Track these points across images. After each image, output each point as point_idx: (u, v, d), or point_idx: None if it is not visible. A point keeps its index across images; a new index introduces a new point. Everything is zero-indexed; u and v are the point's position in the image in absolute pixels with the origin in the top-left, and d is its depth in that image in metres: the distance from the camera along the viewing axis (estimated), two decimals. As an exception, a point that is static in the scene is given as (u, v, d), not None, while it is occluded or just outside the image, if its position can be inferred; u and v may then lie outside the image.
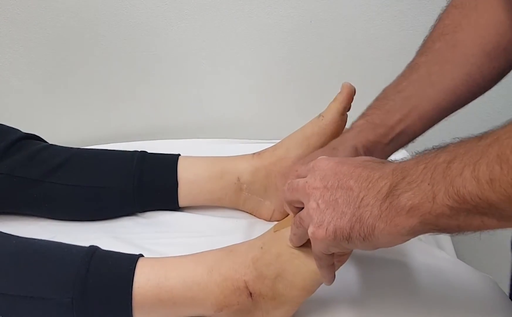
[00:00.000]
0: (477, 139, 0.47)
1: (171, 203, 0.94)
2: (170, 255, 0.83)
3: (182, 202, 0.94)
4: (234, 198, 0.94)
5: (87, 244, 0.75)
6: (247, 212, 0.96)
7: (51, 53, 1.17)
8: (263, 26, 1.16)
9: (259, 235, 0.90)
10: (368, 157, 0.60)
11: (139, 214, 0.95)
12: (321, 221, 0.57)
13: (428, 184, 0.48)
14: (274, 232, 0.71)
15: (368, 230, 0.53)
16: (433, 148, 0.52)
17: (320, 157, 0.63)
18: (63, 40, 1.16)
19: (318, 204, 0.58)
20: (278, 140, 1.11)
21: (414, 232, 0.51)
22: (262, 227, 0.92)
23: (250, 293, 0.68)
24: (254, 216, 0.95)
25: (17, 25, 1.14)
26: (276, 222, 0.93)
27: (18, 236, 0.73)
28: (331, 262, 0.62)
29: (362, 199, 0.54)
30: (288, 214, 0.73)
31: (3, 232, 0.73)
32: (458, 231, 0.49)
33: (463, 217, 0.47)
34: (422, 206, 0.48)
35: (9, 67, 1.18)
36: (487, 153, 0.44)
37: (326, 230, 0.56)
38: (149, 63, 1.19)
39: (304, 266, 0.66)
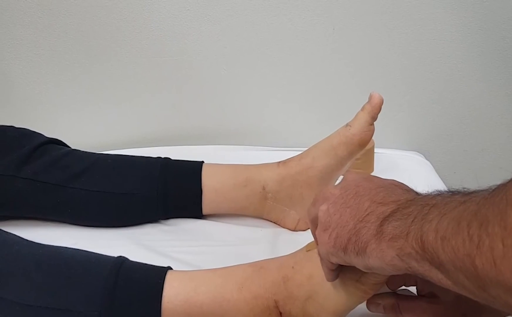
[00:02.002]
0: (465, 193, 0.44)
1: (195, 210, 0.93)
2: (195, 264, 0.82)
3: (205, 209, 0.93)
4: (258, 206, 0.92)
5: (110, 251, 0.74)
6: (271, 221, 0.95)
7: (73, 58, 1.16)
8: (285, 33, 1.15)
9: (284, 245, 0.89)
10: (397, 181, 0.58)
11: (162, 221, 0.94)
12: (328, 225, 0.56)
13: (412, 221, 0.46)
14: (307, 251, 0.69)
15: (362, 246, 0.51)
16: (448, 191, 0.49)
17: (351, 171, 0.63)
18: (85, 45, 1.15)
19: (328, 208, 0.58)
20: (300, 148, 1.10)
21: (395, 266, 0.48)
22: (287, 237, 0.92)
23: (280, 313, 0.67)
24: (278, 225, 0.94)
25: (40, 29, 1.12)
26: (299, 230, 0.94)
27: (44, 244, 0.72)
28: (331, 266, 0.60)
29: (368, 214, 0.52)
30: None
31: (28, 240, 0.73)
32: (426, 279, 0.46)
33: (427, 266, 0.44)
34: (398, 239, 0.47)
35: (31, 71, 1.17)
36: (455, 209, 0.42)
37: (329, 235, 0.56)
38: (170, 69, 1.18)
39: (336, 291, 0.64)
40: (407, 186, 0.56)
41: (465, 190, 0.46)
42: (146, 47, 1.15)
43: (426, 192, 0.51)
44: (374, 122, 0.89)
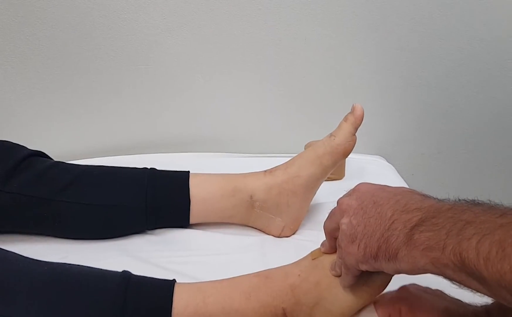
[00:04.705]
0: (500, 213, 0.48)
1: (182, 220, 0.94)
2: (189, 274, 0.84)
3: (193, 219, 0.94)
4: (245, 215, 0.94)
5: (102, 264, 0.74)
6: (256, 228, 0.97)
7: (46, 67, 1.13)
8: (260, 42, 1.17)
9: (272, 251, 0.93)
10: (408, 188, 0.62)
11: (149, 232, 0.95)
12: (354, 237, 0.60)
13: (445, 234, 0.50)
14: (312, 259, 0.72)
15: (393, 252, 0.55)
16: (471, 201, 0.53)
17: (362, 182, 0.66)
18: (58, 53, 1.12)
19: (350, 220, 0.61)
20: (278, 154, 1.13)
21: (427, 270, 0.52)
22: (274, 244, 0.95)
23: None
24: (264, 232, 0.97)
25: (10, 37, 1.09)
26: (284, 236, 0.97)
27: (48, 262, 0.71)
28: (358, 273, 0.64)
29: (393, 222, 0.56)
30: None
31: (30, 258, 0.71)
32: (461, 286, 0.51)
33: (464, 277, 0.48)
34: (433, 250, 0.51)
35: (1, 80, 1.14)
36: (495, 232, 0.45)
37: (358, 246, 0.59)
38: (146, 77, 1.18)
39: (342, 295, 0.68)
40: (419, 192, 0.60)
41: (490, 204, 0.50)
42: (121, 56, 1.14)
43: (447, 200, 0.55)
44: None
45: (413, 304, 0.65)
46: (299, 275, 0.71)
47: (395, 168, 1.30)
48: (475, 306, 0.64)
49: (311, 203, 0.98)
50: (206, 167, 1.00)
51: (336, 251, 0.70)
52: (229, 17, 1.14)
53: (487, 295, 0.48)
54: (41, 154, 0.94)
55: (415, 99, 1.31)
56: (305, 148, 0.99)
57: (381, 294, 0.69)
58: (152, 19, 1.12)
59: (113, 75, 1.16)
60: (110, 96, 1.19)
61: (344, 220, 0.62)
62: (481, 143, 1.39)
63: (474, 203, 0.52)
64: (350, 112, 0.92)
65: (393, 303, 0.66)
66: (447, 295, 0.67)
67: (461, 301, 0.66)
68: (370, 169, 1.25)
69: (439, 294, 0.67)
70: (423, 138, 1.37)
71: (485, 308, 0.63)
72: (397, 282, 0.69)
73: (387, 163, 1.32)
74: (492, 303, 0.63)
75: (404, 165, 1.37)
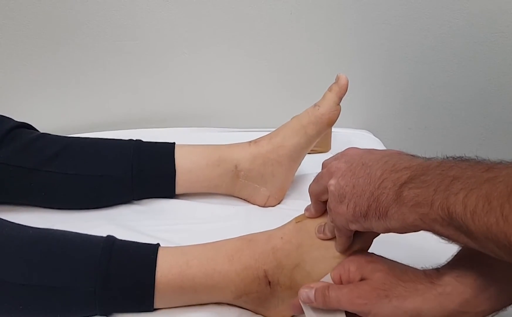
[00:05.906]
0: (486, 167, 0.49)
1: (168, 190, 0.95)
2: (175, 242, 0.84)
3: (178, 189, 0.95)
4: (230, 185, 0.96)
5: (88, 232, 0.74)
6: (241, 198, 0.98)
7: (31, 41, 1.14)
8: (245, 16, 1.17)
9: (256, 220, 0.94)
10: (395, 150, 0.63)
11: (135, 202, 0.96)
12: (343, 197, 0.61)
13: (434, 190, 0.51)
14: (296, 222, 0.73)
15: (383, 211, 0.56)
16: (459, 158, 0.54)
17: (350, 147, 0.67)
18: (43, 28, 1.12)
19: (338, 181, 0.62)
20: (262, 129, 1.14)
21: (416, 226, 0.53)
22: (259, 213, 0.96)
23: (269, 282, 0.70)
24: (249, 202, 0.98)
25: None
26: (269, 206, 0.98)
27: (33, 227, 0.72)
28: (350, 234, 0.65)
29: (383, 181, 0.57)
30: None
31: (17, 223, 0.73)
32: (450, 241, 0.53)
33: (452, 231, 0.50)
34: (422, 206, 0.52)
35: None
36: (481, 186, 0.46)
37: (347, 206, 0.60)
38: (132, 52, 1.18)
39: (323, 259, 0.69)
40: (407, 153, 0.61)
41: (476, 159, 0.51)
42: (107, 31, 1.14)
43: (435, 159, 0.56)
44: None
45: (360, 262, 0.65)
46: (281, 237, 0.72)
47: (382, 142, 1.31)
48: (426, 268, 0.64)
49: (297, 174, 0.99)
50: (191, 141, 1.00)
51: (320, 215, 0.71)
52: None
53: (475, 248, 0.49)
54: (27, 126, 0.94)
55: (402, 73, 1.31)
56: (290, 121, 1.00)
57: None
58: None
59: (99, 51, 1.16)
60: (96, 71, 1.19)
61: (332, 181, 0.63)
62: (467, 118, 1.39)
63: (461, 159, 0.53)
64: (334, 82, 0.93)
65: (343, 265, 0.66)
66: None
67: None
68: (357, 142, 1.25)
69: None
70: (410, 113, 1.38)
71: (436, 269, 0.63)
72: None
73: (374, 137, 1.33)
74: (444, 264, 0.63)
75: (391, 140, 1.38)
